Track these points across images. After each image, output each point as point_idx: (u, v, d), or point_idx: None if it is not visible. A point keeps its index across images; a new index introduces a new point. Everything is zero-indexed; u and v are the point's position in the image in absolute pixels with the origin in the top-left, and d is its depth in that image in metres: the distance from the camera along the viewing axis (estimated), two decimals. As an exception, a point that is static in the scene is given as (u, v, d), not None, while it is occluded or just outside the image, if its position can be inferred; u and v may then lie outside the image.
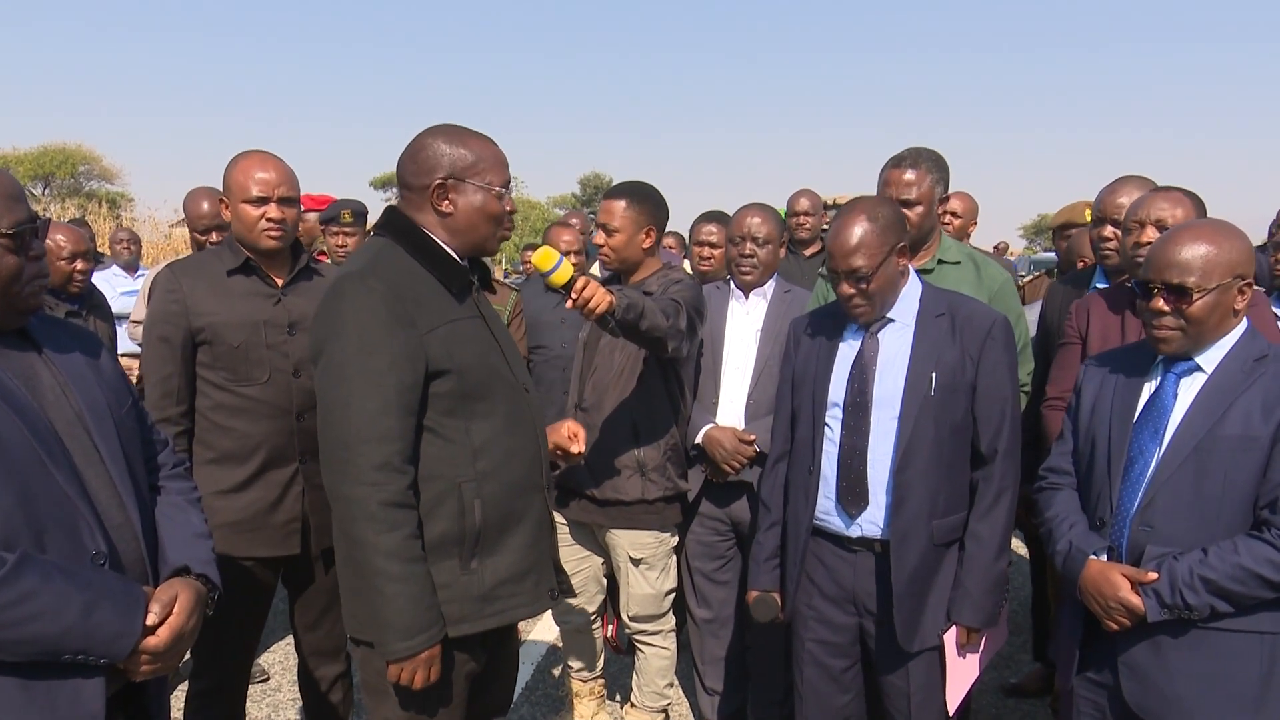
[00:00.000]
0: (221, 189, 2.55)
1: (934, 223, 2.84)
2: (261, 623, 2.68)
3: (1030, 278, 4.22)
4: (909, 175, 2.76)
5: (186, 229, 4.04)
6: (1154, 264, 1.93)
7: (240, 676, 2.68)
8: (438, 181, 1.89)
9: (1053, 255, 11.31)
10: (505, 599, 1.92)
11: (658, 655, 3.06)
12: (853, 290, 2.21)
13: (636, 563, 2.91)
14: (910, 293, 2.30)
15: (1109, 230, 2.91)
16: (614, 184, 3.02)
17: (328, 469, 1.80)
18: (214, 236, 3.76)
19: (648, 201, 2.85)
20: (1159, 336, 1.94)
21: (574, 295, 2.24)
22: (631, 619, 3.00)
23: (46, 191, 33.73)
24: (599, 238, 2.88)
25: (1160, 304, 1.91)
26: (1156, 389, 1.99)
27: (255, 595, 2.57)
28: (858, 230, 2.19)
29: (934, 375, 2.20)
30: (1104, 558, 1.98)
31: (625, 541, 2.90)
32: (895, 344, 2.27)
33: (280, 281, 2.55)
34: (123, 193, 35.17)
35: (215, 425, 2.48)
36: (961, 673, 2.30)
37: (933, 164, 2.80)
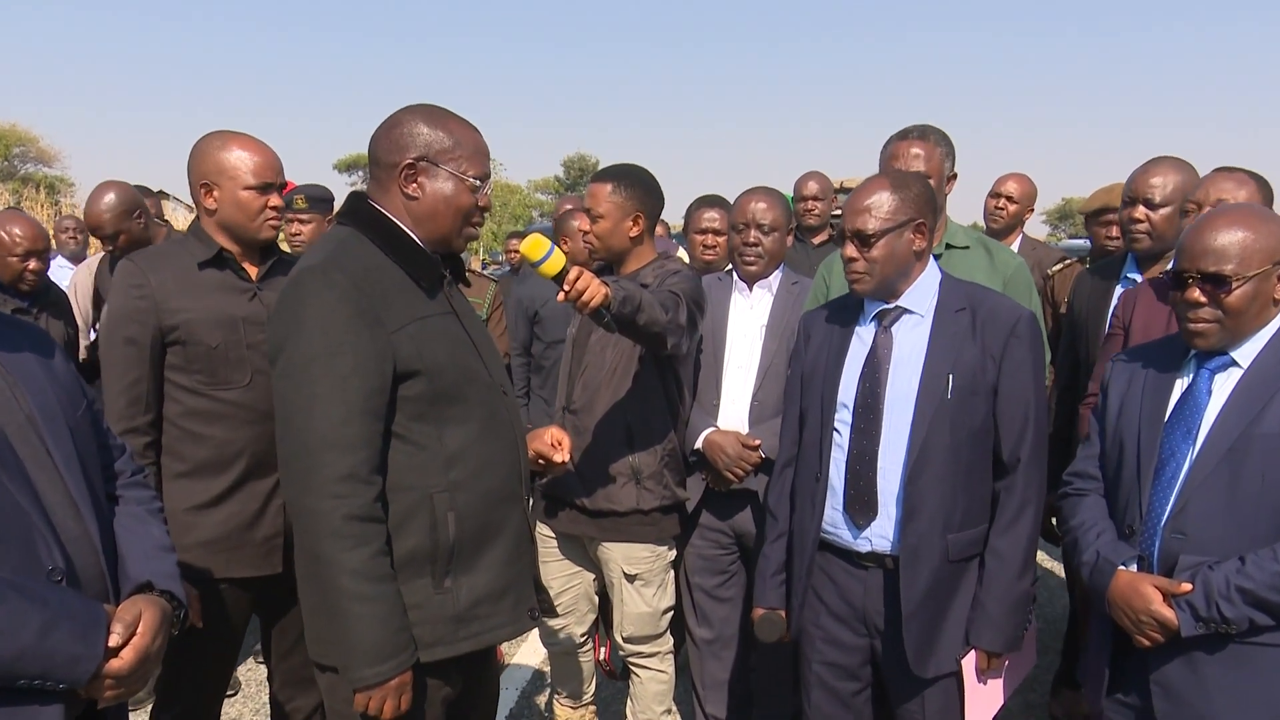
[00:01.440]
0: (204, 173, 2.47)
1: (941, 202, 2.88)
2: (236, 649, 2.66)
3: (1060, 267, 4.21)
4: (916, 149, 2.79)
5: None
6: (1188, 252, 1.96)
7: (212, 708, 2.66)
8: (408, 161, 1.90)
9: (1079, 242, 11.36)
10: (482, 620, 1.93)
11: (654, 679, 3.08)
12: (855, 254, 2.25)
13: (631, 579, 2.93)
14: (927, 283, 2.32)
15: (1140, 211, 2.95)
16: (601, 166, 3.04)
17: (288, 480, 1.80)
18: (121, 241, 3.73)
19: (637, 186, 2.86)
20: (1195, 330, 1.97)
21: (566, 287, 2.26)
22: (626, 640, 3.02)
23: (-24, 175, 33.52)
24: (583, 223, 2.90)
25: (1196, 294, 1.94)
26: (1189, 386, 2.02)
27: (232, 620, 2.53)
28: (875, 191, 2.25)
29: (951, 376, 2.21)
30: (1134, 568, 2.01)
31: (619, 556, 2.92)
32: (911, 340, 2.29)
33: (255, 274, 2.54)
34: (62, 177, 34.94)
35: (188, 434, 2.44)
36: (982, 701, 2.31)
37: (940, 138, 2.84)
